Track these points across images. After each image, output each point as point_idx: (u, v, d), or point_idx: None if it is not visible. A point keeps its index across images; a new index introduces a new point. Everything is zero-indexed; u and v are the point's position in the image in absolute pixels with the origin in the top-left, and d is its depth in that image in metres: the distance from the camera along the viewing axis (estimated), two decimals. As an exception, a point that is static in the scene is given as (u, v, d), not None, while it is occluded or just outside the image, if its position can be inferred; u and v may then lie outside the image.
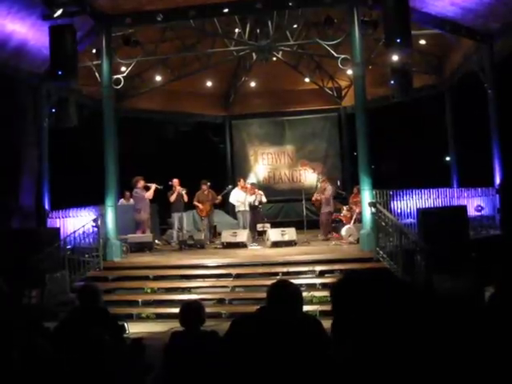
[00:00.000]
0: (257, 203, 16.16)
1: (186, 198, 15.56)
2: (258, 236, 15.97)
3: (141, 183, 15.31)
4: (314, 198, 16.15)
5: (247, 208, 15.93)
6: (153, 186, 15.27)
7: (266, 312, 3.46)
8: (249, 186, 16.55)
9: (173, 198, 15.37)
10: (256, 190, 16.30)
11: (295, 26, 15.53)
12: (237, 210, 16.28)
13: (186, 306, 4.88)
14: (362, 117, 12.59)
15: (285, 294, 3.48)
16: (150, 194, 15.20)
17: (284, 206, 20.58)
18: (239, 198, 16.07)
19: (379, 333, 1.77)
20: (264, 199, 16.44)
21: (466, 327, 2.28)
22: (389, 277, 1.91)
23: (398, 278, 2.16)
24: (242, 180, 16.91)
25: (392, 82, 15.93)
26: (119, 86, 14.30)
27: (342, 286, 1.90)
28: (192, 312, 4.75)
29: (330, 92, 21.16)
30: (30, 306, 10.12)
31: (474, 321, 2.50)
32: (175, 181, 15.57)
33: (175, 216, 15.59)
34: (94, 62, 14.22)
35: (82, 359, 3.93)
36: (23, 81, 14.18)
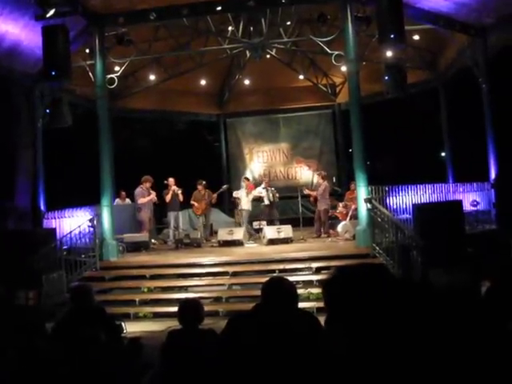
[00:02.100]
0: (266, 201, 16.04)
1: (181, 198, 15.53)
2: (256, 233, 15.86)
3: (147, 184, 15.26)
4: (306, 192, 16.14)
5: (244, 207, 15.79)
6: (151, 195, 15.26)
7: (262, 309, 3.46)
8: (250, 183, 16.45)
9: (168, 197, 15.35)
10: (253, 188, 16.23)
11: (288, 23, 15.50)
12: (239, 208, 16.16)
13: (185, 303, 4.88)
14: (357, 113, 12.59)
15: (279, 291, 3.48)
16: (142, 200, 15.15)
17: (280, 203, 20.52)
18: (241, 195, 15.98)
19: (374, 328, 1.76)
20: (275, 195, 16.34)
21: (462, 322, 2.28)
22: (382, 271, 1.90)
23: (391, 273, 2.14)
24: (245, 180, 16.63)
25: (386, 77, 15.90)
26: (113, 86, 14.27)
27: (334, 282, 1.89)
28: (190, 310, 4.75)
29: (324, 89, 21.15)
30: (27, 307, 10.09)
31: (470, 315, 2.50)
32: (170, 180, 15.56)
33: (171, 215, 15.58)
34: (88, 62, 14.16)
35: (78, 359, 3.93)
36: (16, 81, 14.14)
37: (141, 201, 15.12)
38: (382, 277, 1.85)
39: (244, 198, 15.78)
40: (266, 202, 16.13)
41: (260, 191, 16.24)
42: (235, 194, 16.47)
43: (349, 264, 1.94)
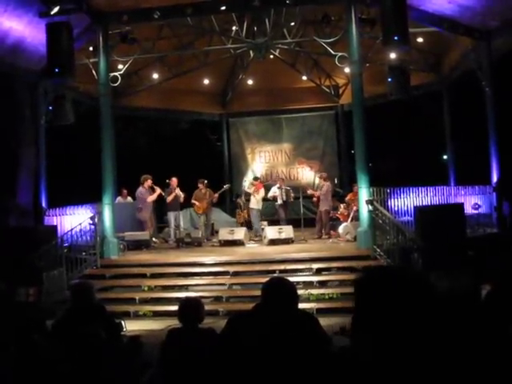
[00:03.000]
0: (280, 201, 15.99)
1: (181, 200, 15.53)
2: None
3: (148, 183, 15.22)
4: (310, 192, 16.16)
5: (254, 206, 15.81)
6: (158, 191, 15.24)
7: (262, 309, 3.46)
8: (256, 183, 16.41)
9: (170, 198, 15.29)
10: (261, 188, 16.16)
11: (292, 23, 15.48)
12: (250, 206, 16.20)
13: (185, 302, 4.88)
14: (360, 114, 12.59)
15: (279, 291, 3.48)
16: (152, 198, 15.16)
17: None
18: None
19: (401, 329, 1.77)
20: (290, 194, 16.26)
21: (463, 325, 2.28)
22: (412, 274, 1.91)
23: (421, 276, 2.14)
24: (254, 180, 16.65)
25: (389, 79, 15.87)
26: (116, 84, 14.26)
27: (366, 281, 1.90)
28: (191, 309, 4.75)
29: (327, 90, 21.13)
30: (27, 304, 10.10)
31: (471, 319, 2.50)
32: (173, 180, 15.50)
33: (171, 215, 15.55)
34: (91, 60, 14.17)
35: (78, 357, 3.92)
36: (20, 78, 14.15)
37: (150, 199, 15.11)
38: (411, 279, 1.86)
39: (253, 198, 15.82)
40: (280, 201, 16.11)
41: (274, 191, 16.25)
42: (247, 189, 16.51)
43: (379, 264, 1.97)
